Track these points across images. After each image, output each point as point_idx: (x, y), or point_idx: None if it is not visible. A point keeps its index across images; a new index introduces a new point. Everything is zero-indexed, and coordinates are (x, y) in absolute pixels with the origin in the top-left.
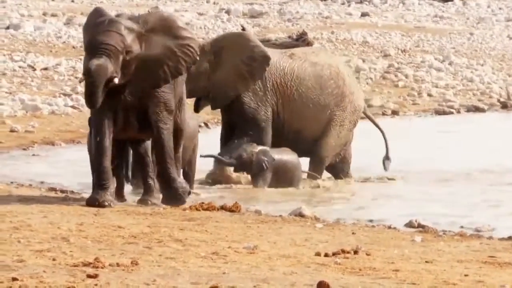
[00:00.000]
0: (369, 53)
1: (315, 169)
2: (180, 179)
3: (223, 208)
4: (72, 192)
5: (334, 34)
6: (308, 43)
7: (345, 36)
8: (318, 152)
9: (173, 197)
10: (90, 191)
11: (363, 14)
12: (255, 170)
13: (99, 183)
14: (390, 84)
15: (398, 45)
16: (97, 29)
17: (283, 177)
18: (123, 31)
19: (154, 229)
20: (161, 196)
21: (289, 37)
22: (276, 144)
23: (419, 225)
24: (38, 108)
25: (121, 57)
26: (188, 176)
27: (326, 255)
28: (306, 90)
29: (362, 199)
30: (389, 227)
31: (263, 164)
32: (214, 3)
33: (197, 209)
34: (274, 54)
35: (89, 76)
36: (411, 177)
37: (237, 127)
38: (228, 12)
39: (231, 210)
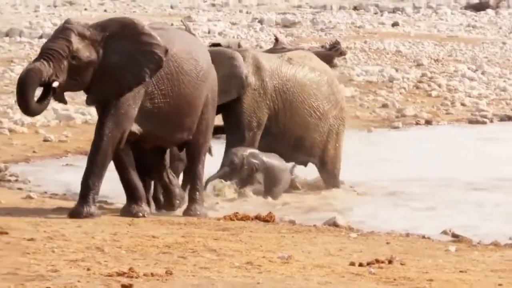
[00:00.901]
0: (402, 63)
1: (330, 184)
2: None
3: (257, 218)
4: (106, 201)
5: (367, 43)
6: (341, 53)
7: (378, 45)
8: (326, 167)
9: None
10: (124, 200)
11: (396, 24)
12: (245, 173)
13: (128, 196)
14: (423, 93)
15: (431, 55)
16: (51, 37)
17: (271, 180)
18: (72, 37)
19: (188, 238)
20: (204, 205)
21: (322, 46)
22: (277, 150)
23: (453, 235)
24: (71, 118)
25: (65, 62)
26: None
27: (360, 264)
28: (308, 96)
29: (395, 208)
30: (423, 237)
31: (253, 167)
32: (247, 12)
33: (231, 219)
34: (273, 59)
35: (18, 78)
36: (443, 186)
37: (229, 131)
38: (261, 21)
39: (265, 220)
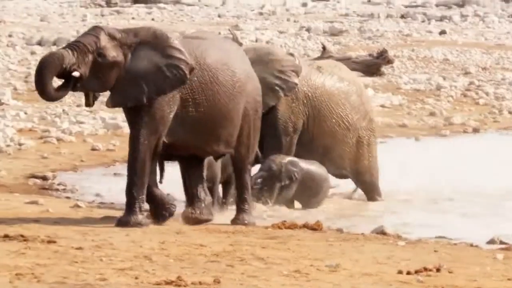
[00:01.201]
0: (449, 71)
1: (372, 196)
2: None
3: (305, 226)
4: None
5: (414, 51)
6: (389, 61)
7: (426, 53)
8: (363, 179)
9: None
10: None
11: (443, 32)
12: (284, 181)
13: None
14: (471, 101)
15: (479, 63)
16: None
17: (309, 188)
18: (101, 35)
19: (236, 247)
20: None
21: (370, 55)
22: (305, 158)
23: (501, 243)
24: (119, 127)
25: (90, 56)
26: None
27: (408, 273)
28: (336, 106)
29: (442, 216)
30: (471, 245)
31: (293, 175)
32: (294, 21)
33: (279, 227)
34: (303, 67)
35: (40, 60)
36: (491, 194)
37: (266, 137)
38: (308, 30)
39: (313, 228)
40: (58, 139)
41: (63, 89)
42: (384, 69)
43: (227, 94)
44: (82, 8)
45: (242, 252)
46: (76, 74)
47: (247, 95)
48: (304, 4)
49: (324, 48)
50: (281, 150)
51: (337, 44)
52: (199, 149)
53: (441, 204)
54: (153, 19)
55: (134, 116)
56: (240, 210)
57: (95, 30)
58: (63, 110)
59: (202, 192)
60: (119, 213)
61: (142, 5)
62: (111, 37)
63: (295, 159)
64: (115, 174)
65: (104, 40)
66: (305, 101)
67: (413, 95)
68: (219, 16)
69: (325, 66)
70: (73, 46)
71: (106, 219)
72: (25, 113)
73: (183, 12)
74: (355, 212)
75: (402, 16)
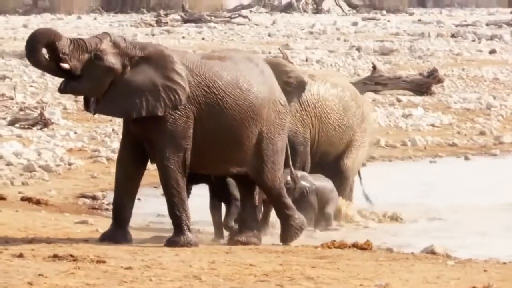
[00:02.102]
0: (499, 90)
1: (340, 193)
2: None
3: (354, 245)
4: (198, 230)
5: (464, 70)
6: (439, 80)
7: (476, 72)
8: (340, 175)
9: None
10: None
11: (493, 51)
12: (296, 196)
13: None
14: None
15: None
16: None
17: (322, 201)
18: (105, 40)
19: (286, 267)
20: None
21: (420, 74)
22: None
23: None
24: None
25: (86, 55)
26: None
27: None
28: (331, 111)
29: (492, 235)
30: None
31: (304, 190)
32: (344, 40)
33: (328, 247)
34: None
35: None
36: None
37: None
38: (358, 49)
39: (363, 248)
40: (108, 159)
41: (53, 66)
42: (434, 88)
43: (237, 118)
44: (133, 28)
45: (291, 271)
46: (65, 66)
47: (263, 119)
48: (355, 23)
49: (374, 67)
50: (298, 160)
51: (388, 63)
52: (207, 168)
53: (490, 223)
54: (203, 39)
55: (152, 135)
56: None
57: (102, 34)
58: (113, 130)
59: (250, 217)
60: (168, 233)
61: (193, 24)
62: (115, 44)
63: (305, 173)
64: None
65: (105, 45)
66: (308, 111)
67: (463, 114)
68: (269, 35)
69: (317, 74)
70: (72, 39)
71: (155, 239)
72: (75, 132)
73: (233, 31)
74: (403, 230)
75: (453, 35)
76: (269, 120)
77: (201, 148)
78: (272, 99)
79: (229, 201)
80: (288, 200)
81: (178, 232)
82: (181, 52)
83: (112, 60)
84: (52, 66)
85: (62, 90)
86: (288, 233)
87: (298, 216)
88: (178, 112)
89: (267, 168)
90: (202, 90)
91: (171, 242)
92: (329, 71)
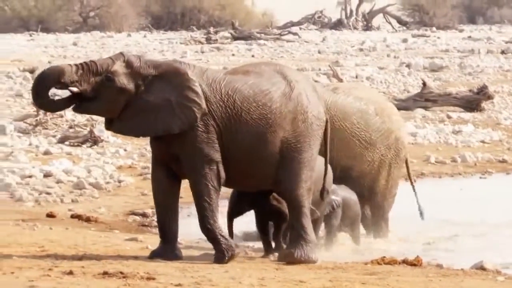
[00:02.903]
0: None
1: (375, 220)
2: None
3: (404, 262)
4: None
5: None
6: (489, 97)
7: None
8: (375, 199)
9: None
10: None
11: None
12: (327, 210)
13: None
14: None
15: None
16: None
17: (349, 215)
18: (118, 61)
19: (336, 283)
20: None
21: (470, 90)
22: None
23: None
24: None
25: (97, 77)
26: None
27: None
28: (351, 125)
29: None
30: None
31: (334, 204)
32: (394, 57)
33: (378, 263)
34: (317, 87)
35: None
36: None
37: None
38: (408, 66)
39: (413, 264)
40: None
41: (63, 102)
42: (485, 104)
43: (254, 132)
44: (182, 45)
45: None
46: (73, 89)
47: (287, 131)
48: (405, 40)
49: (424, 84)
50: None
51: (437, 80)
52: (232, 185)
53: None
54: (253, 56)
55: (178, 150)
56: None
57: (116, 55)
58: None
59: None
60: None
61: (243, 41)
62: (128, 64)
63: (335, 186)
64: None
65: (118, 65)
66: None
67: None
68: (319, 52)
69: (342, 87)
70: (82, 63)
71: (205, 255)
72: (125, 150)
73: (283, 48)
74: (453, 246)
75: (503, 52)
76: (297, 132)
77: (224, 163)
78: (299, 111)
79: (276, 217)
80: (307, 220)
81: (218, 247)
82: (203, 68)
83: (124, 80)
84: (60, 103)
85: (75, 109)
86: (291, 252)
87: (311, 241)
88: (200, 127)
89: (289, 180)
90: (219, 106)
91: (218, 259)
92: (359, 84)
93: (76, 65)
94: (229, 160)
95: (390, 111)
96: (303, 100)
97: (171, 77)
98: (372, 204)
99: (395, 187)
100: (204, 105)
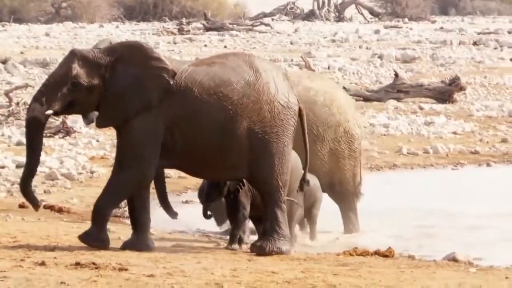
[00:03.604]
0: None
1: (343, 213)
2: None
3: (376, 253)
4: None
5: (486, 78)
6: (461, 88)
7: (498, 80)
8: (334, 193)
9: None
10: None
11: None
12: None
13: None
14: None
15: None
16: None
17: (310, 200)
18: (73, 63)
19: (308, 274)
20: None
21: (442, 81)
22: None
23: None
24: None
25: (64, 89)
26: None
27: None
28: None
29: None
30: None
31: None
32: (367, 48)
33: (350, 254)
34: None
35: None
36: None
37: None
38: (380, 57)
39: (385, 255)
40: None
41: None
42: (457, 96)
43: (215, 124)
44: (155, 36)
45: (313, 279)
46: (49, 112)
47: (252, 122)
48: (377, 31)
49: (396, 75)
50: None
51: (410, 71)
52: (200, 175)
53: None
54: (225, 47)
55: (122, 140)
56: (264, 238)
57: (68, 57)
58: None
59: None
60: (190, 240)
61: (215, 32)
62: (84, 61)
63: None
64: (186, 201)
65: (76, 68)
66: None
67: (485, 121)
68: (291, 43)
69: (293, 76)
70: (42, 91)
71: (177, 246)
72: (97, 140)
73: (255, 39)
74: (424, 237)
75: (475, 43)
76: (264, 122)
77: (186, 157)
78: (265, 100)
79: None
80: (281, 213)
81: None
82: (168, 58)
83: (88, 78)
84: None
85: (57, 115)
86: (264, 245)
87: (284, 235)
88: (146, 118)
89: (262, 171)
90: (179, 97)
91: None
92: (311, 73)
93: (38, 95)
94: (194, 151)
95: (340, 102)
96: (269, 89)
97: (129, 55)
98: (336, 198)
99: (355, 178)
100: (170, 66)
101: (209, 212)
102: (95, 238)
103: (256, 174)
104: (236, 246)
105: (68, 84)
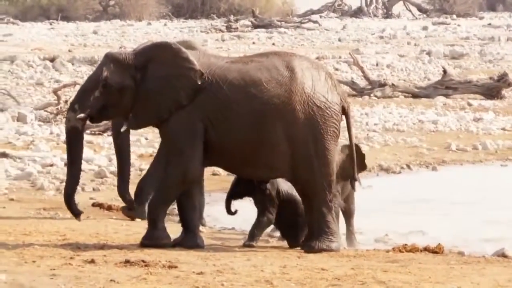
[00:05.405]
0: None
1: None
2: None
3: (426, 249)
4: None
5: None
6: (509, 84)
7: None
8: None
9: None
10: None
11: None
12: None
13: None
14: None
15: None
16: None
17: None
18: (105, 65)
19: (358, 271)
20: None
21: (490, 78)
22: None
23: None
24: None
25: (96, 92)
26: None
27: None
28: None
29: None
30: None
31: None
32: (415, 44)
33: (400, 251)
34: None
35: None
36: None
37: None
38: (429, 53)
39: (434, 251)
40: None
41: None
42: (505, 92)
43: (246, 125)
44: (203, 33)
45: (363, 276)
46: (81, 116)
47: (286, 122)
48: (425, 28)
49: (444, 71)
50: None
51: (458, 67)
52: (237, 173)
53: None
54: (273, 44)
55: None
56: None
57: (102, 61)
58: None
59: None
60: (240, 237)
61: (263, 29)
62: (115, 63)
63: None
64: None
65: (106, 70)
66: None
67: None
68: (339, 40)
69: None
70: (75, 98)
71: (227, 244)
72: (146, 138)
73: (303, 36)
74: (474, 234)
75: None
76: (299, 124)
77: (219, 151)
78: (298, 101)
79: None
80: (327, 211)
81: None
82: (206, 54)
83: (118, 79)
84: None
85: (94, 122)
86: (313, 244)
87: (333, 234)
88: (183, 115)
89: (303, 174)
90: (211, 94)
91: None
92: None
93: (73, 105)
94: (226, 148)
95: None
96: (304, 89)
97: (159, 56)
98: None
99: None
100: (197, 66)
101: (235, 209)
102: (149, 237)
103: (298, 177)
104: (253, 243)
105: (99, 87)
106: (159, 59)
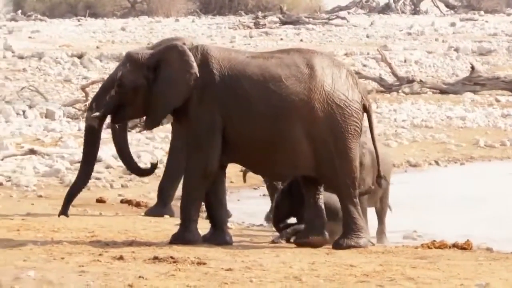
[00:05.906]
0: None
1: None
2: None
3: (455, 246)
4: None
5: None
6: None
7: None
8: None
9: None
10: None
11: None
12: None
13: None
14: None
15: None
16: None
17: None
18: (122, 65)
19: (386, 267)
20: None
21: None
22: None
23: None
24: None
25: (112, 91)
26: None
27: None
28: None
29: None
30: None
31: None
32: (443, 41)
33: (429, 247)
34: None
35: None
36: None
37: None
38: (457, 50)
39: (463, 247)
40: None
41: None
42: None
43: (265, 122)
44: (231, 30)
45: (392, 272)
46: (95, 114)
47: (305, 120)
48: (453, 24)
49: (472, 68)
50: None
51: (486, 63)
52: (257, 171)
53: None
54: (301, 40)
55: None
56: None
57: (123, 59)
58: None
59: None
60: (268, 234)
61: (291, 26)
62: (132, 62)
63: None
64: (264, 195)
65: (122, 69)
66: None
67: None
68: (367, 36)
69: None
70: (93, 97)
71: (255, 240)
72: None
73: (331, 32)
74: (502, 230)
75: None
76: (318, 122)
77: (238, 147)
78: (317, 99)
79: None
80: (355, 209)
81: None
82: (228, 50)
83: (131, 78)
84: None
85: (114, 122)
86: (341, 242)
87: (361, 230)
88: (202, 110)
89: (326, 172)
90: (230, 88)
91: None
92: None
93: (91, 104)
94: (245, 145)
95: None
96: (323, 87)
97: (166, 57)
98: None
99: None
100: (194, 69)
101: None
102: (178, 238)
103: (321, 175)
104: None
105: (114, 86)
106: (167, 59)
